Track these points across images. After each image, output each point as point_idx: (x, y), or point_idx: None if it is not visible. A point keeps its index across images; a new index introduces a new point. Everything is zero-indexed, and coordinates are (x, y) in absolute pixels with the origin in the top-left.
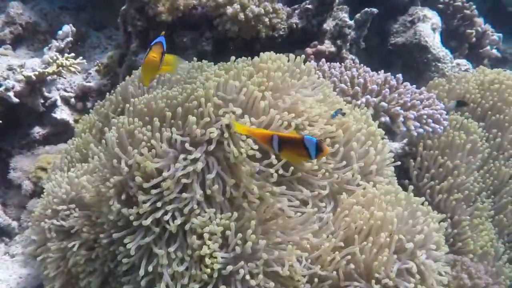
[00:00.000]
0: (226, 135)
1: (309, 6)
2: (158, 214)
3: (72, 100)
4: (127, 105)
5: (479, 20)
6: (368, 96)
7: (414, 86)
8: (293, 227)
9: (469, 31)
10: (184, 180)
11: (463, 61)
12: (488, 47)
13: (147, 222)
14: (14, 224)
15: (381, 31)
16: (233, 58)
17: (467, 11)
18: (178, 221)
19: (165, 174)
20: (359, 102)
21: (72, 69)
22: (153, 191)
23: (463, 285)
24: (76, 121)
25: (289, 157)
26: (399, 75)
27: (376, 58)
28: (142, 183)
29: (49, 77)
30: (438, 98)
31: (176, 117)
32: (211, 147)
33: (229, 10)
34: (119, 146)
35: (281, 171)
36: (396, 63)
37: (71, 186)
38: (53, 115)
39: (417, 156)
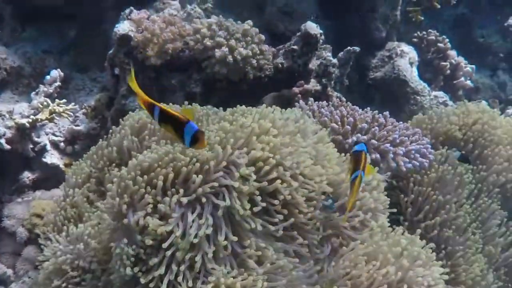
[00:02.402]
0: (234, 194)
1: (295, 47)
2: (172, 276)
3: (61, 144)
4: (130, 161)
5: (453, 53)
6: (359, 135)
7: (401, 122)
8: (293, 279)
9: (443, 63)
10: (195, 240)
11: (440, 93)
12: (462, 79)
13: (163, 287)
14: (9, 272)
15: (360, 67)
16: (241, 107)
17: (441, 44)
18: (190, 283)
19: (177, 232)
20: (349, 140)
21: (65, 115)
22: (168, 253)
23: None
24: (66, 165)
25: (168, 131)
26: (386, 113)
27: (356, 93)
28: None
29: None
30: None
31: (180, 175)
32: (220, 212)
33: (218, 53)
34: (128, 205)
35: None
36: (375, 97)
37: (76, 245)
38: (43, 159)
39: (407, 191)
